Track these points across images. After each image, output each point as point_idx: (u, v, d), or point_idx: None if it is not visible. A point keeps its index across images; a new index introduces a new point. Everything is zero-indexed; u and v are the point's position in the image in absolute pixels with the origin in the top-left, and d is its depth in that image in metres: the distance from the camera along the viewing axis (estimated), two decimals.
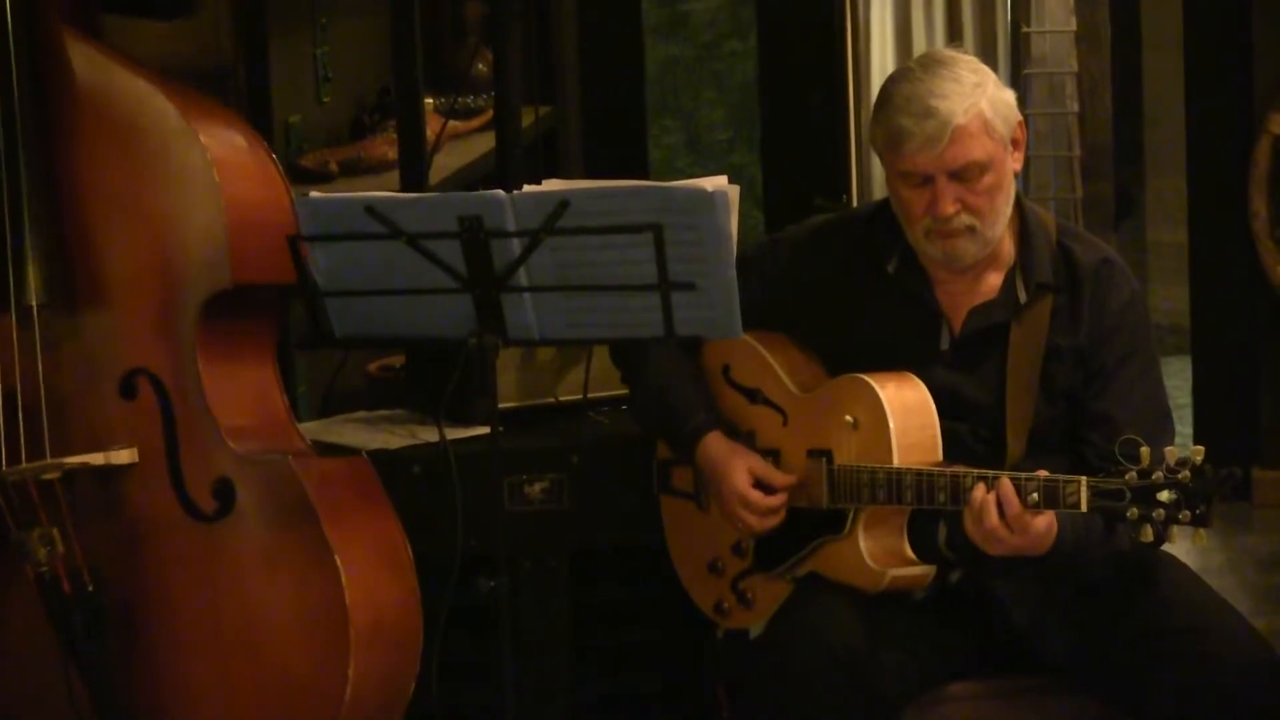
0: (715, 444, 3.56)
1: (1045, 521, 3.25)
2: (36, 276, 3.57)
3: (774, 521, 3.50)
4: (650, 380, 3.64)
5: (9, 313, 3.57)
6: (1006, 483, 3.24)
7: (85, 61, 3.62)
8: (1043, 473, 3.24)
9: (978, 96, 3.40)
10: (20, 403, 3.55)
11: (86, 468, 3.54)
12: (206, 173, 3.54)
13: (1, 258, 3.56)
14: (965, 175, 3.40)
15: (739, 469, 3.51)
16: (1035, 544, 3.27)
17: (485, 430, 3.66)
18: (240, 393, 3.61)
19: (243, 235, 3.51)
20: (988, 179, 3.42)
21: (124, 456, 3.56)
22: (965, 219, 3.42)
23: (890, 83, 3.48)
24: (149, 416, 3.57)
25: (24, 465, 3.54)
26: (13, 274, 3.56)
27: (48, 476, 3.53)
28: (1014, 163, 3.47)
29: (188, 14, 3.94)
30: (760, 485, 3.51)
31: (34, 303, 3.57)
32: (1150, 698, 3.35)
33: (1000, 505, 3.23)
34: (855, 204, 6.65)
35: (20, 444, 3.55)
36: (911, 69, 3.46)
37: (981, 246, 3.45)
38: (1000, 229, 3.46)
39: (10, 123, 3.56)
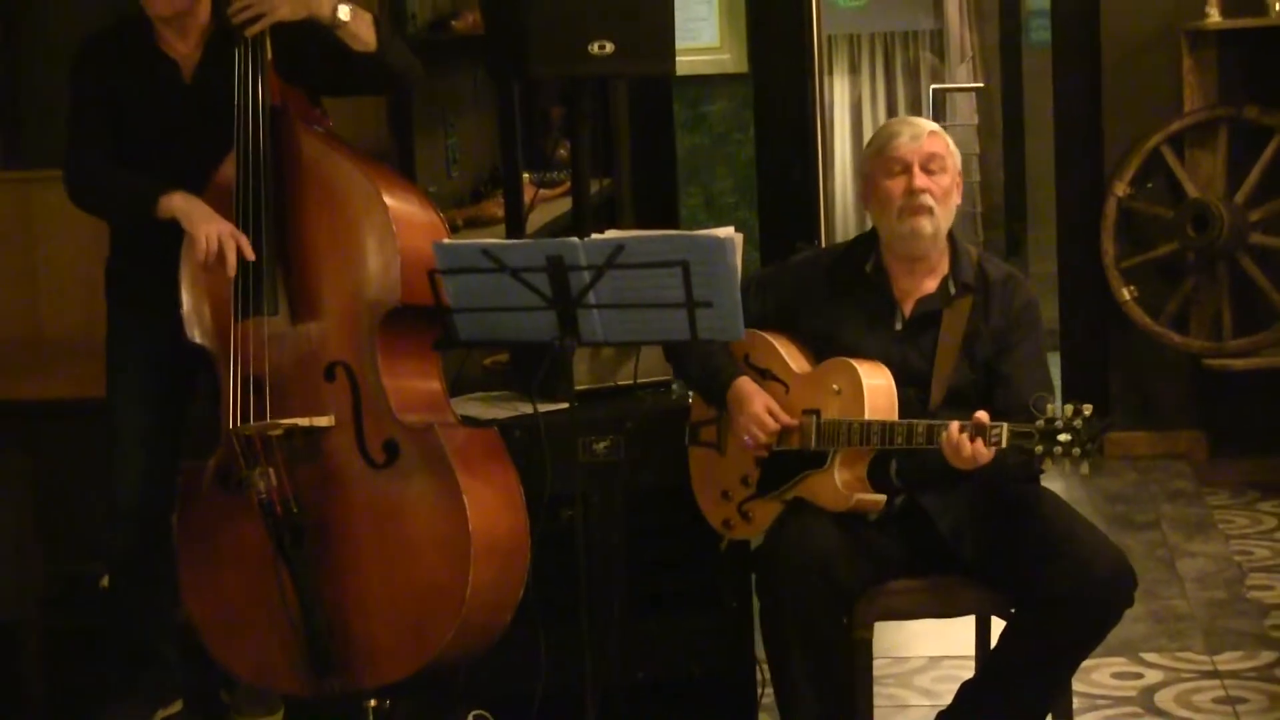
0: (746, 383, 3.54)
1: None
2: (270, 294, 3.59)
3: (770, 440, 3.48)
4: (695, 357, 3.62)
5: (250, 319, 3.58)
6: (953, 426, 3.25)
7: (311, 146, 3.63)
8: (981, 415, 3.25)
9: (941, 130, 3.54)
10: (253, 380, 3.57)
11: (297, 427, 3.55)
12: (387, 226, 3.54)
13: (245, 282, 3.58)
14: (932, 167, 3.46)
15: (760, 401, 3.50)
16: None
17: (565, 405, 3.66)
18: (407, 379, 3.60)
19: (410, 269, 3.50)
20: (945, 180, 3.48)
21: (324, 421, 3.56)
22: (929, 200, 3.45)
23: (879, 129, 3.59)
24: (343, 394, 3.57)
25: (254, 424, 3.55)
26: (256, 293, 3.59)
27: (273, 433, 3.54)
28: (957, 194, 3.52)
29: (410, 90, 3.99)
30: (770, 415, 3.49)
31: (268, 312, 3.59)
32: (1036, 588, 3.33)
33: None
34: (824, 245, 6.63)
35: (250, 409, 3.56)
36: (892, 120, 3.61)
37: (934, 232, 3.47)
38: (945, 228, 3.51)
39: (259, 190, 3.58)
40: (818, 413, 3.45)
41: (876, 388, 3.40)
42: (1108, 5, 5.99)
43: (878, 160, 3.50)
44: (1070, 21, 6.13)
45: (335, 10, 3.58)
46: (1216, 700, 4.12)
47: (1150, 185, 5.97)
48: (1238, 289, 5.88)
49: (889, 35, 10.01)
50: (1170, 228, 5.90)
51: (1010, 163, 9.67)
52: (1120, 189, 5.95)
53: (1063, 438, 3.14)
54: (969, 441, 3.23)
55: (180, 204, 3.62)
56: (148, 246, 3.73)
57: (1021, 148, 9.51)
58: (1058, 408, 3.18)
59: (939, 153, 3.47)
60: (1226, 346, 5.86)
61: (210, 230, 3.56)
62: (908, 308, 3.53)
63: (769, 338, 3.57)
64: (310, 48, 3.63)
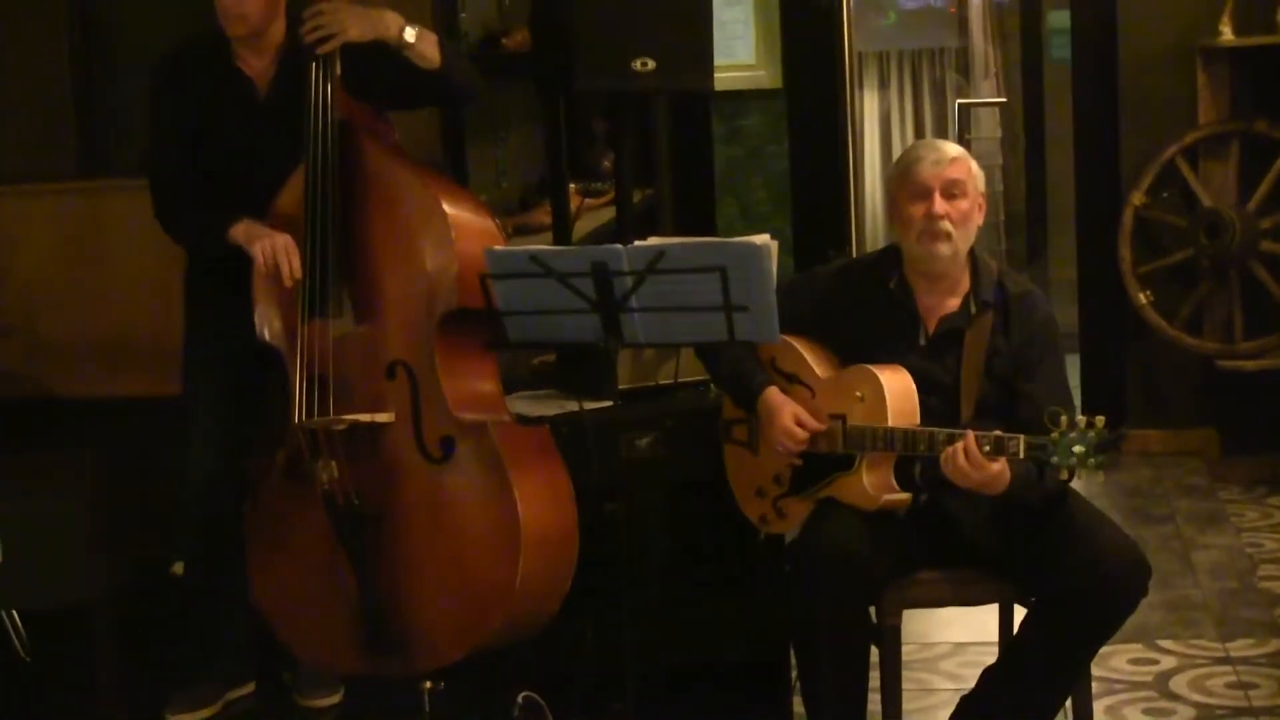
0: (774, 394, 3.51)
1: (1000, 465, 3.23)
2: (335, 297, 3.60)
3: (801, 448, 3.46)
4: (725, 361, 3.60)
5: (315, 320, 3.60)
6: (970, 435, 3.22)
7: (376, 158, 3.64)
8: (996, 431, 3.23)
9: (964, 155, 3.47)
10: (319, 378, 3.59)
11: (359, 423, 3.56)
12: (446, 233, 3.54)
13: (312, 286, 3.60)
14: (953, 192, 3.41)
15: (788, 412, 3.47)
16: (993, 482, 3.25)
17: (609, 403, 3.67)
18: (463, 377, 3.60)
19: (466, 273, 3.50)
20: (965, 204, 3.43)
21: (384, 417, 3.57)
22: (947, 226, 3.41)
23: (905, 150, 3.53)
24: (403, 391, 3.57)
25: (318, 419, 3.56)
26: (321, 296, 3.60)
27: (337, 428, 3.55)
28: (979, 215, 3.47)
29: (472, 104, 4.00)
30: (799, 424, 3.47)
31: (332, 314, 3.59)
32: (1054, 580, 3.32)
33: (965, 451, 3.22)
34: (854, 253, 6.62)
35: (315, 405, 3.58)
36: (918, 143, 3.52)
37: (952, 255, 3.44)
38: (965, 250, 3.46)
39: (328, 199, 3.60)
40: (844, 418, 3.44)
41: (898, 393, 3.38)
42: (1125, 24, 5.98)
43: (901, 182, 3.47)
44: (1089, 39, 6.11)
45: (402, 31, 3.60)
46: (1229, 685, 4.11)
47: (1165, 195, 5.95)
48: (1248, 294, 5.86)
49: (916, 53, 9.99)
50: (1184, 235, 5.88)
51: (1031, 174, 9.64)
52: (1137, 198, 5.93)
53: (1077, 449, 3.12)
54: (963, 455, 3.20)
55: (241, 231, 3.66)
56: (221, 258, 3.76)
57: (1042, 159, 9.49)
58: (1072, 419, 3.15)
59: (960, 178, 3.43)
60: (1237, 348, 5.84)
61: (264, 244, 3.59)
62: (931, 324, 3.50)
63: (794, 342, 3.55)
64: (379, 66, 3.65)
